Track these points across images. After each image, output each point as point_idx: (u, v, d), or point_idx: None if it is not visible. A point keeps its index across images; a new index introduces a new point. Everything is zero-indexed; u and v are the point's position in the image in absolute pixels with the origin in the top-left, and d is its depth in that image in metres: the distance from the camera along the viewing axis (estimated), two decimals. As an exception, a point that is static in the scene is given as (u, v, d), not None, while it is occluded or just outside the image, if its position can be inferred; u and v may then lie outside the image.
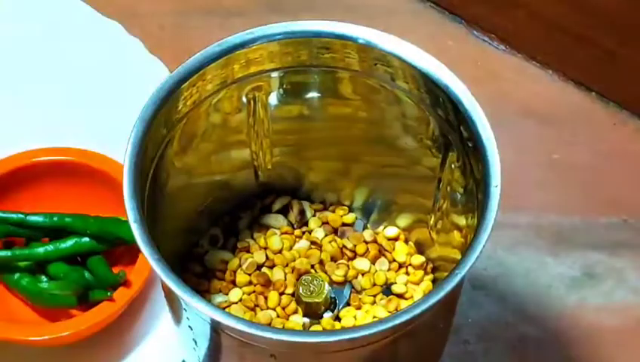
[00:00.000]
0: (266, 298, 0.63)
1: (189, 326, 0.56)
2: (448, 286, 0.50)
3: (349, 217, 0.67)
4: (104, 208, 0.68)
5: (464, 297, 0.68)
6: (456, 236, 0.59)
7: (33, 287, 0.66)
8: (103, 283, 0.66)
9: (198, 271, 0.65)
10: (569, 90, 0.81)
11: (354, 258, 0.65)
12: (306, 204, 0.67)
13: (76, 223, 0.66)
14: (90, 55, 0.78)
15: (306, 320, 0.63)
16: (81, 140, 0.71)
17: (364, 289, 0.64)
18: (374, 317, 0.63)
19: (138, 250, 0.64)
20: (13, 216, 0.67)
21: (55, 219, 0.67)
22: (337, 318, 0.63)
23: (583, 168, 0.76)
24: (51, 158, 0.70)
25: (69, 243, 0.66)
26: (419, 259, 0.65)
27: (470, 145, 0.55)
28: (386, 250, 0.66)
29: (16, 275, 0.66)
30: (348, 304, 0.64)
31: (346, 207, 0.68)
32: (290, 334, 0.51)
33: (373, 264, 0.65)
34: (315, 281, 0.62)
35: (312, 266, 0.65)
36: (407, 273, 0.65)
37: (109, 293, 0.65)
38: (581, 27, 0.77)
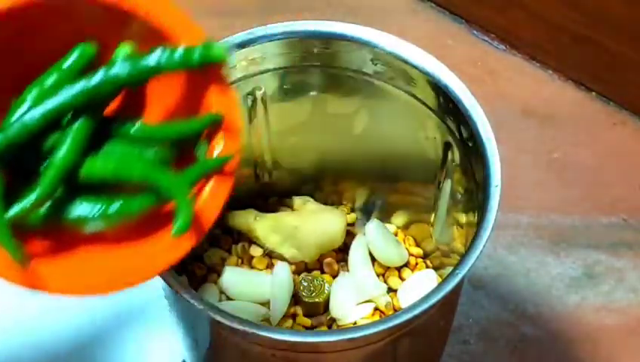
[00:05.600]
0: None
1: (190, 326, 0.56)
2: (448, 286, 0.50)
3: (350, 217, 0.67)
4: None
5: (464, 297, 0.68)
6: (457, 235, 0.59)
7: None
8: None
9: (198, 270, 0.65)
10: (569, 90, 0.81)
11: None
12: (306, 204, 0.67)
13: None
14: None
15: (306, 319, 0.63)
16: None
17: (365, 289, 0.65)
18: (374, 317, 0.63)
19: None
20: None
21: None
22: (337, 318, 0.63)
23: (583, 168, 0.76)
24: None
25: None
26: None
27: (470, 145, 0.55)
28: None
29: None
30: (348, 304, 0.64)
31: (346, 207, 0.68)
32: (290, 334, 0.51)
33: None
34: (315, 281, 0.62)
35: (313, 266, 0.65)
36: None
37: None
38: (581, 27, 0.77)
